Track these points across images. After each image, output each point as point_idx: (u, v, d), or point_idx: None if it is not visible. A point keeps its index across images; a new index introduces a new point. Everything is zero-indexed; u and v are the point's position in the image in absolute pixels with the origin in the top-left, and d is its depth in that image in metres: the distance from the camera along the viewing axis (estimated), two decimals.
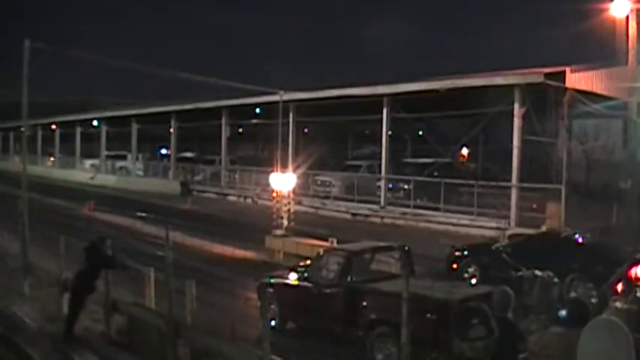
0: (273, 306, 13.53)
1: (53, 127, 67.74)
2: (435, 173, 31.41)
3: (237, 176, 43.75)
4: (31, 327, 13.86)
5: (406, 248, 13.82)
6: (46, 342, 12.83)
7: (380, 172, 33.46)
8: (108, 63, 23.08)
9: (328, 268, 13.11)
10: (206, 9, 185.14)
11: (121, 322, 12.95)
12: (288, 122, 36.25)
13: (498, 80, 27.28)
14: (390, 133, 32.80)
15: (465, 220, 27.58)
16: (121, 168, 57.52)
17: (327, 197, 35.40)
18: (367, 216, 31.96)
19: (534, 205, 26.25)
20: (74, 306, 12.89)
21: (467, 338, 9.44)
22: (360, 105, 31.58)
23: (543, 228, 22.87)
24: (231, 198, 41.62)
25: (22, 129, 21.51)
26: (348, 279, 12.66)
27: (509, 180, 26.93)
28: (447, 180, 29.20)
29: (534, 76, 25.70)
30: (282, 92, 28.11)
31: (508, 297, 8.03)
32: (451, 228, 27.46)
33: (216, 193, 43.37)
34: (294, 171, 26.18)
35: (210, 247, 23.21)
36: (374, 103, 31.77)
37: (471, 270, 17.59)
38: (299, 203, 29.07)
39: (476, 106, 27.58)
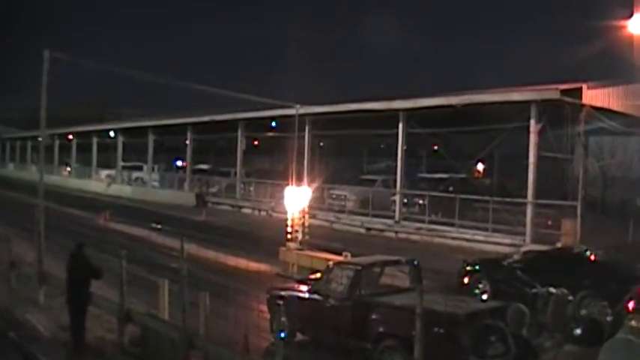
0: (283, 318, 13.57)
1: (70, 137, 68.21)
2: (450, 188, 31.34)
3: (252, 189, 43.85)
4: (45, 335, 13.92)
5: (415, 263, 13.85)
6: (60, 351, 12.88)
7: (395, 186, 33.41)
8: (125, 74, 23.27)
9: (338, 282, 13.12)
10: (224, 22, 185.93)
11: (135, 333, 12.97)
12: (304, 136, 36.31)
13: (515, 96, 27.25)
14: (405, 147, 32.78)
15: (479, 236, 27.49)
16: (136, 179, 57.74)
17: (341, 211, 35.37)
18: (382, 231, 31.90)
19: (550, 222, 26.15)
20: (76, 316, 12.94)
21: (485, 356, 9.39)
22: (376, 119, 31.61)
23: (559, 245, 22.78)
24: (246, 210, 41.66)
25: (40, 139, 21.69)
26: (357, 292, 12.67)
27: (525, 196, 26.82)
28: (462, 195, 29.13)
29: (551, 92, 25.63)
30: (298, 106, 28.20)
31: (523, 314, 8.00)
32: (465, 244, 27.36)
33: (231, 206, 43.42)
34: (309, 185, 26.18)
35: (224, 259, 23.18)
36: (390, 118, 31.79)
37: (481, 285, 17.55)
38: (313, 217, 29.02)
39: (492, 121, 27.52)
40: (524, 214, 26.65)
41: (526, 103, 26.36)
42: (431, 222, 30.36)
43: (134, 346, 12.87)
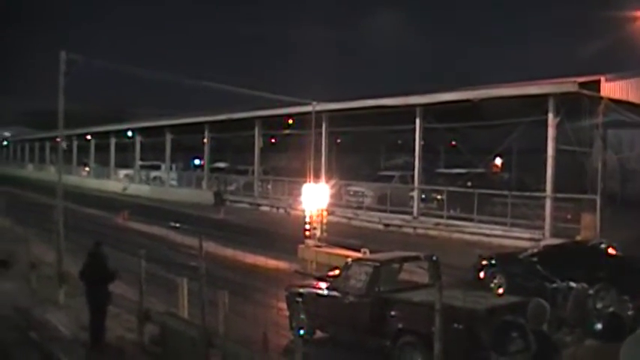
0: (302, 316, 13.64)
1: (88, 137, 68.58)
2: (468, 183, 31.20)
3: (269, 186, 43.88)
4: (66, 335, 13.99)
5: (434, 258, 13.80)
6: (79, 350, 12.94)
7: (413, 182, 33.33)
8: (142, 74, 23.35)
9: (356, 278, 13.10)
10: (238, 20, 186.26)
11: (154, 332, 13.01)
12: (321, 133, 36.28)
13: (532, 89, 27.08)
14: (422, 143, 32.67)
15: (498, 230, 27.35)
16: (154, 178, 57.93)
17: (359, 207, 35.33)
18: (400, 226, 31.82)
19: (569, 216, 25.99)
20: (96, 316, 13.00)
21: (506, 352, 9.34)
22: (393, 115, 31.52)
23: (578, 239, 22.63)
24: (264, 208, 41.69)
25: (58, 139, 21.81)
26: (376, 289, 12.65)
27: (544, 190, 26.68)
28: (480, 190, 29.00)
29: (568, 85, 25.41)
30: (314, 103, 28.17)
31: (543, 309, 7.94)
32: (484, 239, 27.23)
33: (249, 204, 43.46)
34: (326, 181, 26.15)
35: (242, 257, 23.21)
36: (407, 114, 31.69)
37: (497, 279, 17.49)
38: (331, 213, 29.00)
39: (509, 116, 27.37)
40: (543, 208, 26.50)
41: (544, 97, 26.18)
42: (449, 217, 30.22)
43: (154, 345, 12.91)
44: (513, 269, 17.56)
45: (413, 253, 14.96)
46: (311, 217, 23.41)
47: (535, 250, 19.26)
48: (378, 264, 13.22)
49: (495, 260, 18.47)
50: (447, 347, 8.35)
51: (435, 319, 8.22)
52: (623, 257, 17.30)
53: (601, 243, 18.11)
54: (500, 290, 16.69)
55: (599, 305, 14.64)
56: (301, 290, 14.44)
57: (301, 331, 13.27)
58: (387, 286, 12.83)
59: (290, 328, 13.85)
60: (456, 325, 10.46)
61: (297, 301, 14.06)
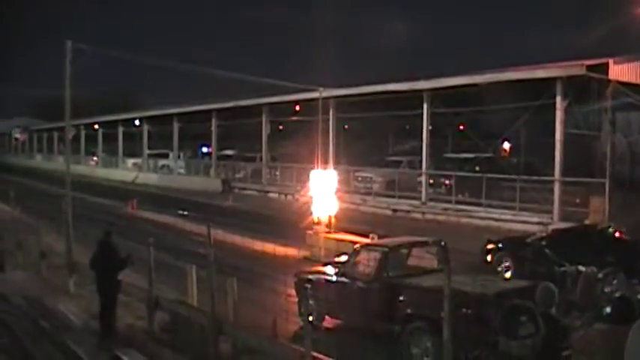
0: (311, 301, 13.66)
1: (96, 126, 68.68)
2: (477, 168, 31.15)
3: (277, 173, 43.92)
4: (77, 324, 14.07)
5: (442, 243, 13.76)
6: (91, 339, 13.01)
7: (421, 167, 33.29)
8: (148, 62, 23.35)
9: (365, 264, 13.11)
10: (243, 5, 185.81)
11: (164, 319, 13.07)
12: (328, 119, 36.24)
13: (540, 73, 26.94)
14: (430, 128, 32.61)
15: (507, 215, 27.33)
16: (162, 166, 58.05)
17: (367, 193, 35.34)
18: (408, 212, 31.83)
19: (577, 200, 25.93)
20: (106, 304, 13.05)
21: (516, 336, 9.34)
22: (400, 100, 31.46)
23: (586, 223, 22.58)
24: (272, 195, 41.76)
25: (65, 129, 21.86)
26: (385, 274, 12.67)
27: (552, 174, 26.60)
28: (489, 175, 28.94)
29: (576, 68, 25.29)
30: (321, 89, 28.13)
31: (552, 293, 7.95)
32: (493, 223, 27.19)
33: (257, 191, 43.52)
34: (334, 167, 26.11)
35: (251, 244, 23.29)
36: (414, 99, 31.62)
37: (505, 263, 17.49)
38: (339, 199, 29.02)
39: (517, 99, 27.26)
40: (551, 192, 26.45)
41: (552, 80, 26.06)
42: (458, 202, 30.21)
43: (164, 332, 12.97)
44: (521, 253, 17.53)
45: (421, 238, 14.93)
46: (318, 203, 23.36)
47: (544, 234, 19.21)
48: (386, 249, 13.21)
49: (503, 244, 18.45)
50: (456, 332, 8.35)
51: (444, 304, 8.22)
52: (631, 241, 17.26)
53: (609, 227, 18.06)
54: (508, 274, 16.70)
55: (607, 289, 14.64)
56: (310, 276, 14.48)
57: (310, 317, 13.25)
58: (395, 271, 12.82)
59: (299, 314, 13.87)
60: (464, 310, 10.44)
61: (306, 287, 14.06)
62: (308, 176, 25.41)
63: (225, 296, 12.01)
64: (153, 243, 13.12)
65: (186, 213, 31.37)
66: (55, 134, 76.56)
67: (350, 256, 14.16)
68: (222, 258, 12.80)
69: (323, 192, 23.38)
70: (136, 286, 13.99)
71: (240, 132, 56.40)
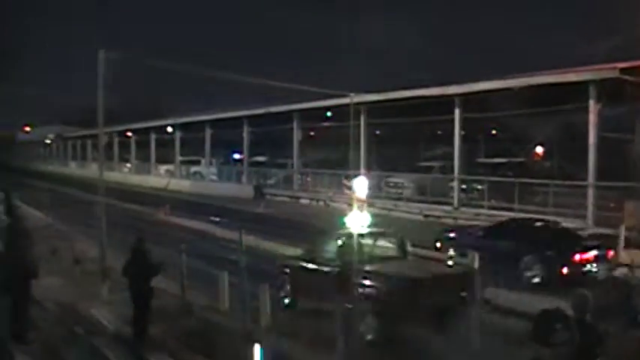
0: (287, 286, 15.39)
1: (129, 134, 69.27)
2: (509, 173, 30.90)
3: (309, 179, 43.93)
4: (109, 329, 14.14)
5: (400, 235, 15.99)
6: (123, 345, 13.07)
7: (453, 172, 33.10)
8: (180, 69, 23.46)
9: (330, 250, 14.62)
10: (271, 10, 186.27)
11: (196, 325, 13.09)
12: (359, 124, 36.17)
13: (572, 77, 26.68)
14: (462, 133, 32.43)
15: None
16: (195, 173, 58.37)
17: (399, 199, 35.20)
18: (440, 217, 31.63)
19: (612, 204, 25.61)
20: (139, 310, 13.11)
21: (551, 344, 9.22)
22: (432, 105, 31.32)
23: (622, 227, 22.28)
24: (304, 201, 41.72)
25: (99, 136, 22.03)
26: (345, 259, 13.50)
27: (586, 178, 26.30)
28: (521, 179, 28.68)
29: (609, 71, 25.04)
30: (352, 94, 28.10)
31: (586, 299, 7.83)
32: None
33: (289, 197, 43.52)
34: (366, 173, 26.00)
35: (283, 251, 23.29)
36: (446, 104, 31.47)
37: (450, 250, 18.30)
38: (371, 205, 28.92)
39: (549, 103, 27.01)
40: (585, 196, 26.15)
41: (584, 84, 25.79)
42: (490, 207, 29.96)
43: (196, 338, 12.99)
44: (463, 241, 19.47)
45: (381, 229, 16.48)
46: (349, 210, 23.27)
47: (486, 226, 21.75)
48: (344, 237, 14.35)
49: (452, 233, 21.38)
50: (398, 312, 10.17)
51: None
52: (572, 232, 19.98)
53: (555, 222, 20.92)
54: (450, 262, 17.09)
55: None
56: (286, 263, 16.24)
57: (286, 300, 15.03)
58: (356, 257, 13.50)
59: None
60: (404, 291, 12.38)
61: (285, 273, 15.70)
62: (339, 182, 25.37)
63: (257, 302, 12.02)
64: (184, 249, 13.18)
65: (217, 219, 31.46)
66: (89, 141, 77.27)
67: (318, 244, 15.73)
68: (254, 264, 12.82)
69: (354, 198, 23.26)
70: (169, 292, 14.05)
71: (271, 138, 56.63)
